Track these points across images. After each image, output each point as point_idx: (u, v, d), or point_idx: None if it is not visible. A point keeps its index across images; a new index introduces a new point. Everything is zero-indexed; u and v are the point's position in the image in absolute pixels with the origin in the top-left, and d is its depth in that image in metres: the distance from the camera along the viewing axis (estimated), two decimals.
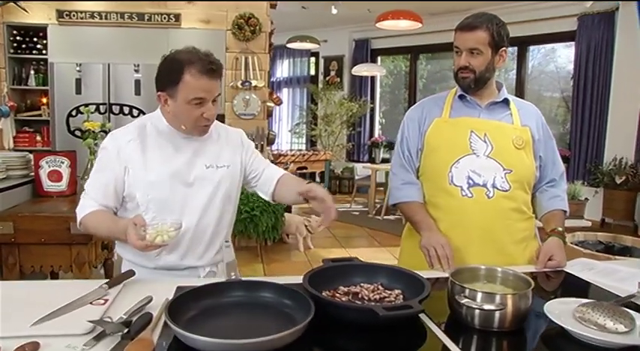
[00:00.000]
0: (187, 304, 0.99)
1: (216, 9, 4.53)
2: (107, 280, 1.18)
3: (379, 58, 8.99)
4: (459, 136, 1.62)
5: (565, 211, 1.66)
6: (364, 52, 8.75)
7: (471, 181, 1.58)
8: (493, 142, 1.60)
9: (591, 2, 5.84)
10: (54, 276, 3.06)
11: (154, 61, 4.88)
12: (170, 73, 1.37)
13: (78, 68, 4.26)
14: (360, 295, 1.14)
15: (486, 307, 0.99)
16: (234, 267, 1.19)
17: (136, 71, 4.33)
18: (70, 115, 4.30)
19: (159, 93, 1.42)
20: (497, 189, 1.57)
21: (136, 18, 4.39)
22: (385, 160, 8.67)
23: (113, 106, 4.35)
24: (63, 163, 2.99)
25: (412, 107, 1.80)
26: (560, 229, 1.57)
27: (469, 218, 1.58)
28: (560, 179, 1.71)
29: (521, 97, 7.14)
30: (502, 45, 1.58)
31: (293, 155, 7.87)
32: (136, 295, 1.12)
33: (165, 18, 4.40)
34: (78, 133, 4.30)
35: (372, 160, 8.83)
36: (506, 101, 1.67)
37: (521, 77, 7.13)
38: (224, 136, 1.59)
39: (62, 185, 2.97)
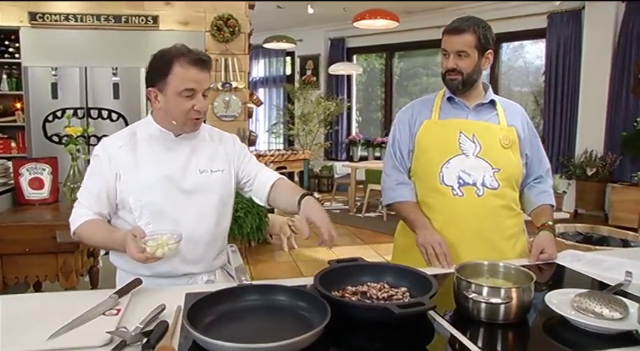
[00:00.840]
0: (204, 310, 1.01)
1: (194, 10, 4.49)
2: (116, 289, 1.18)
3: (355, 57, 9.05)
4: (448, 137, 1.68)
5: (552, 206, 1.73)
6: (340, 50, 8.80)
7: (461, 181, 1.64)
8: (481, 142, 1.65)
9: (559, 1, 6.02)
10: (37, 286, 3.00)
11: (133, 63, 4.85)
12: (159, 67, 1.38)
13: (53, 72, 4.16)
14: (368, 294, 1.17)
15: (493, 300, 1.03)
16: (244, 271, 1.21)
17: (114, 74, 4.26)
18: (46, 120, 4.19)
19: (149, 89, 1.42)
20: (487, 187, 1.63)
21: (113, 20, 4.31)
22: (363, 158, 8.76)
23: (91, 111, 4.26)
24: (44, 170, 2.93)
25: (402, 109, 1.85)
26: (550, 223, 1.64)
27: (461, 217, 1.63)
28: (546, 175, 1.78)
29: (495, 93, 7.33)
30: (488, 47, 1.64)
31: (272, 155, 7.86)
32: (145, 304, 1.13)
33: (142, 20, 4.34)
34: (56, 138, 4.20)
35: (350, 158, 8.90)
36: (492, 102, 1.72)
37: (494, 74, 7.30)
38: (217, 139, 1.59)
39: (44, 193, 2.91)
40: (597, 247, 2.61)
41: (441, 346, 1.01)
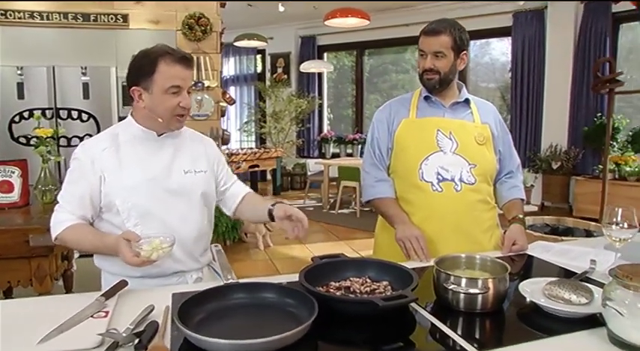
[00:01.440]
0: (193, 309, 1.03)
1: (165, 9, 4.43)
2: (102, 292, 1.18)
3: (325, 55, 9.10)
4: (426, 135, 1.74)
5: (523, 200, 1.82)
6: (310, 48, 8.84)
7: (440, 177, 1.70)
8: (458, 140, 1.72)
9: (523, 1, 6.21)
10: (8, 293, 2.92)
11: (103, 63, 4.75)
12: (143, 66, 1.39)
13: (19, 72, 4.04)
14: (351, 289, 1.21)
15: (471, 290, 1.09)
16: (229, 269, 1.23)
17: (84, 74, 4.16)
18: (12, 121, 4.07)
19: (132, 88, 1.43)
20: (465, 183, 1.70)
21: (81, 19, 4.20)
22: (335, 155, 8.82)
23: (60, 111, 4.16)
24: (14, 172, 2.85)
25: (380, 109, 1.90)
26: (520, 216, 1.72)
27: (440, 211, 1.70)
28: (516, 171, 1.87)
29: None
30: (463, 48, 1.71)
31: (245, 154, 7.83)
32: (133, 305, 1.14)
33: (112, 19, 4.25)
34: (23, 140, 4.09)
35: (322, 156, 8.96)
36: (467, 101, 1.79)
37: (463, 71, 7.43)
38: (198, 140, 1.62)
39: (14, 196, 2.83)
40: (563, 237, 2.74)
41: (422, 335, 1.06)
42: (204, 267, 1.58)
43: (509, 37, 6.84)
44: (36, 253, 2.50)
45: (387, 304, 1.01)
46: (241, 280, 1.19)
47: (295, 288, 1.12)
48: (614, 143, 5.79)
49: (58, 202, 1.45)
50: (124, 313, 1.10)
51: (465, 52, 1.71)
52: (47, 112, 4.09)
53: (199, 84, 4.59)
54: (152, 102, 1.41)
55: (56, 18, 4.18)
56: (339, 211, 6.77)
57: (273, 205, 1.48)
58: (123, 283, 1.24)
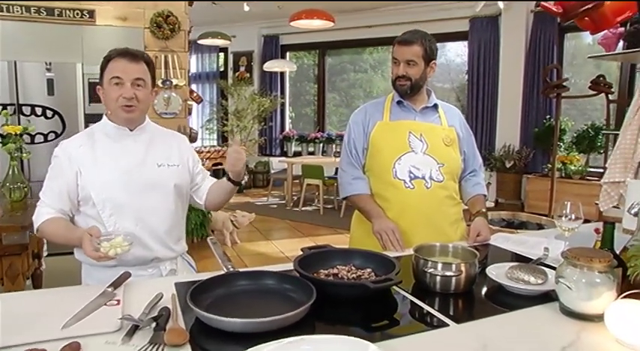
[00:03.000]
0: (201, 295, 1.13)
1: (133, 6, 4.40)
2: (111, 282, 1.26)
3: (288, 54, 9.19)
4: (399, 136, 1.90)
5: (485, 195, 2.01)
6: (273, 47, 8.90)
7: (412, 175, 1.87)
8: (428, 141, 1.89)
9: (480, 6, 6.53)
10: None
11: (68, 59, 4.69)
12: (101, 67, 1.55)
13: None
14: (339, 276, 1.34)
15: (446, 273, 1.25)
16: (227, 260, 1.33)
17: (48, 70, 4.07)
18: None
19: (98, 87, 1.58)
20: (434, 180, 1.87)
21: (45, 13, 4.10)
22: (297, 154, 8.94)
23: (23, 107, 4.06)
24: None
25: (355, 112, 2.06)
26: (483, 210, 1.92)
27: (413, 207, 1.86)
28: (479, 169, 2.07)
29: None
30: (432, 58, 1.88)
31: (208, 152, 7.83)
32: (139, 294, 1.22)
33: (77, 14, 4.17)
34: None
35: (284, 154, 9.04)
36: (435, 105, 1.97)
37: None
38: (170, 135, 1.74)
39: None
40: (518, 230, 2.99)
41: (405, 313, 1.21)
42: (178, 257, 1.67)
43: (466, 41, 7.17)
44: (8, 252, 2.49)
45: (376, 286, 1.15)
46: (242, 269, 1.30)
47: (293, 275, 1.24)
48: (561, 144, 6.21)
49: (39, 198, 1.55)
50: (133, 301, 1.19)
51: (434, 61, 1.89)
52: (9, 107, 3.99)
53: (167, 82, 4.59)
54: (104, 96, 1.56)
55: (17, 11, 4.07)
56: (303, 209, 6.91)
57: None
58: (127, 274, 1.32)
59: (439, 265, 1.27)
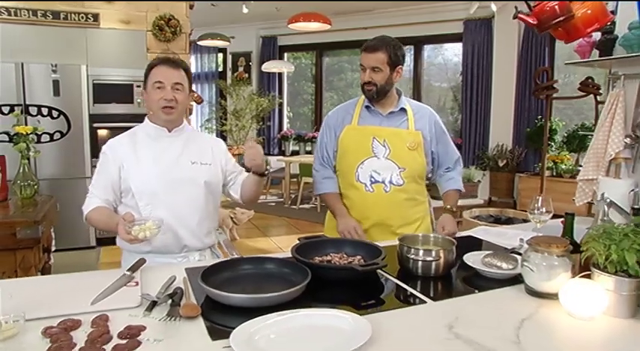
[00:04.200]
0: (210, 277, 1.28)
1: (135, 9, 4.53)
2: (129, 267, 1.41)
3: (286, 55, 9.33)
4: (363, 141, 2.03)
5: (459, 190, 2.14)
6: (271, 48, 9.04)
7: (372, 179, 2.02)
8: (391, 146, 2.02)
9: (474, 8, 6.70)
10: None
11: (73, 61, 4.87)
12: (145, 73, 1.75)
13: None
14: (332, 261, 1.50)
15: (427, 259, 1.41)
16: (232, 247, 1.49)
17: (54, 71, 4.20)
18: None
19: (141, 91, 1.78)
20: (393, 184, 2.01)
21: (51, 16, 4.24)
22: (295, 152, 9.09)
23: (30, 107, 4.20)
24: None
25: (330, 113, 2.20)
26: (449, 206, 2.06)
27: (371, 209, 2.02)
28: (454, 165, 2.17)
29: (417, 89, 7.93)
30: (398, 63, 1.98)
31: None
32: (154, 278, 1.38)
33: (82, 17, 4.31)
34: None
35: (282, 153, 9.19)
36: (403, 109, 2.07)
37: (417, 73, 7.94)
38: (205, 139, 1.93)
39: None
40: (505, 226, 3.15)
41: (390, 294, 1.36)
42: (207, 249, 1.83)
43: (461, 43, 7.33)
44: (22, 245, 2.63)
45: (364, 268, 1.31)
46: (246, 256, 1.46)
47: (291, 260, 1.40)
48: (552, 144, 6.38)
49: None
50: (149, 283, 1.34)
51: (400, 66, 1.99)
52: (16, 108, 4.13)
53: None
54: (147, 98, 1.75)
55: (25, 15, 4.21)
56: (301, 206, 7.07)
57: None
58: (142, 261, 1.48)
59: (420, 252, 1.43)
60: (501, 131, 7.04)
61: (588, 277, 1.19)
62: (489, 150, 7.10)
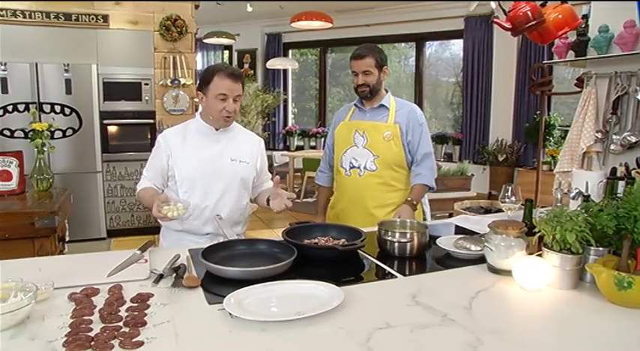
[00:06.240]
0: (209, 256, 1.46)
1: (143, 10, 4.73)
2: (139, 247, 1.60)
3: (290, 52, 9.50)
4: (348, 133, 2.33)
5: (426, 185, 2.29)
6: (276, 45, 9.21)
7: (351, 165, 2.30)
8: (368, 137, 2.28)
9: (474, 6, 6.80)
10: None
11: (84, 61, 5.16)
12: (205, 77, 1.91)
13: (3, 67, 4.26)
14: (319, 243, 1.68)
15: (402, 240, 1.59)
16: (231, 230, 1.68)
17: (66, 71, 4.42)
18: None
19: (197, 92, 1.97)
20: (367, 170, 2.27)
21: (63, 18, 4.45)
22: (299, 148, 9.27)
23: (44, 105, 4.42)
24: (12, 163, 3.14)
25: (337, 113, 2.50)
26: (409, 199, 2.24)
27: (348, 190, 2.32)
28: (422, 159, 2.31)
29: (419, 84, 8.04)
30: (383, 65, 2.26)
31: None
32: (160, 257, 1.56)
33: (92, 18, 4.52)
34: (7, 132, 4.33)
35: (287, 148, 9.37)
36: (383, 106, 2.30)
37: (419, 68, 8.08)
38: (249, 138, 2.10)
39: (12, 184, 3.12)
40: (486, 215, 3.30)
41: (370, 272, 1.54)
42: (238, 236, 2.01)
43: (461, 40, 7.44)
44: (40, 234, 2.83)
45: (344, 248, 1.50)
46: (240, 238, 1.64)
47: (280, 241, 1.58)
48: (550, 138, 6.50)
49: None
50: (157, 261, 1.53)
51: (385, 67, 2.28)
52: (30, 106, 4.34)
53: (176, 81, 4.93)
54: (207, 104, 1.91)
55: (38, 17, 4.42)
56: (304, 200, 7.24)
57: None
58: (150, 243, 1.66)
59: (397, 234, 1.61)
60: (501, 126, 7.16)
61: (540, 255, 1.36)
62: (489, 145, 7.23)
